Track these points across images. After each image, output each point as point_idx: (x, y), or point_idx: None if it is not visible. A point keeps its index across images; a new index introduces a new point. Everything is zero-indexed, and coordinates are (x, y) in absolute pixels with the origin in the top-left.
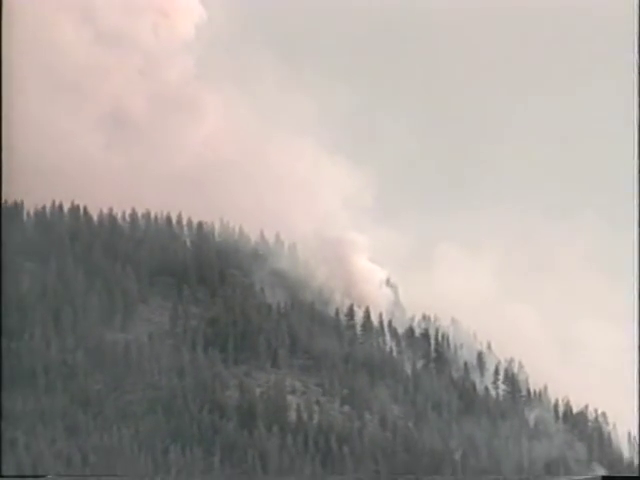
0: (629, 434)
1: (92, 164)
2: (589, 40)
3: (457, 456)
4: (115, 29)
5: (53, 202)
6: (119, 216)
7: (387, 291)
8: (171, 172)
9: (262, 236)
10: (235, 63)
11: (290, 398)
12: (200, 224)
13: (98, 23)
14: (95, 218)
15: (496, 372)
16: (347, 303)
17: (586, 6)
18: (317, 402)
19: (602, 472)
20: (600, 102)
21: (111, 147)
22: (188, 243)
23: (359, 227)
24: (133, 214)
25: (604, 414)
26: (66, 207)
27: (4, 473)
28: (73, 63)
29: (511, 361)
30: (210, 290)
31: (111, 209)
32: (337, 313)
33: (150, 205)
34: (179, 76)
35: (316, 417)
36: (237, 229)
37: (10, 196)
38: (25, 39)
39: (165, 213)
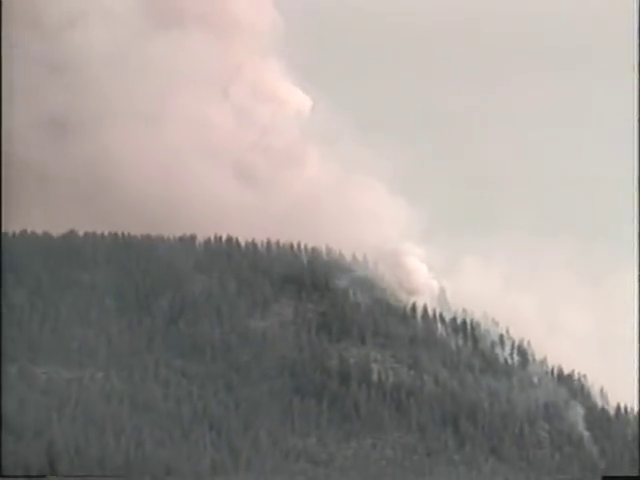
0: (601, 389)
1: (232, 204)
2: None
3: (486, 404)
4: (245, 108)
5: (215, 235)
6: (258, 243)
7: (434, 289)
8: (282, 209)
9: (352, 255)
10: (328, 131)
11: (373, 365)
12: (314, 248)
13: (234, 103)
14: (243, 244)
15: (512, 347)
16: (405, 297)
17: None
18: (391, 368)
19: (580, 411)
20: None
21: (243, 192)
22: (305, 261)
23: (411, 245)
24: (268, 242)
25: (585, 376)
26: (224, 237)
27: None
28: (216, 131)
29: (522, 340)
30: (320, 293)
31: (253, 239)
32: (404, 308)
33: (274, 234)
34: (288, 141)
35: (391, 378)
36: (337, 250)
37: (187, 230)
38: (185, 119)
39: (287, 240)
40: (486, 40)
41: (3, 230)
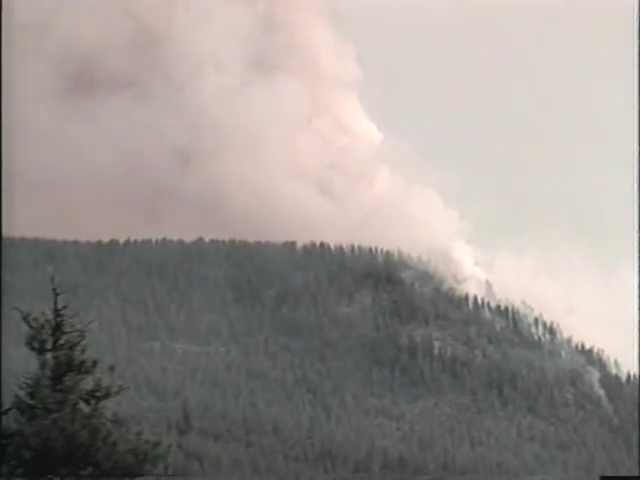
0: (615, 361)
1: (316, 215)
2: None
3: (523, 372)
4: (327, 138)
5: (310, 240)
6: (344, 246)
7: (479, 279)
8: (356, 218)
9: (418, 254)
10: (393, 155)
11: (434, 342)
12: (387, 251)
13: (317, 135)
14: (332, 248)
15: (544, 327)
16: (456, 285)
17: None
18: (449, 344)
19: (597, 375)
20: None
21: (324, 205)
22: (380, 260)
23: (460, 244)
24: (352, 246)
25: (603, 350)
26: (317, 242)
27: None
28: (302, 157)
29: (552, 322)
30: (392, 285)
31: (341, 243)
32: (459, 296)
33: (351, 238)
34: (361, 163)
35: (448, 352)
36: (404, 251)
37: (284, 236)
38: (279, 148)
39: (362, 243)
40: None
41: (150, 238)
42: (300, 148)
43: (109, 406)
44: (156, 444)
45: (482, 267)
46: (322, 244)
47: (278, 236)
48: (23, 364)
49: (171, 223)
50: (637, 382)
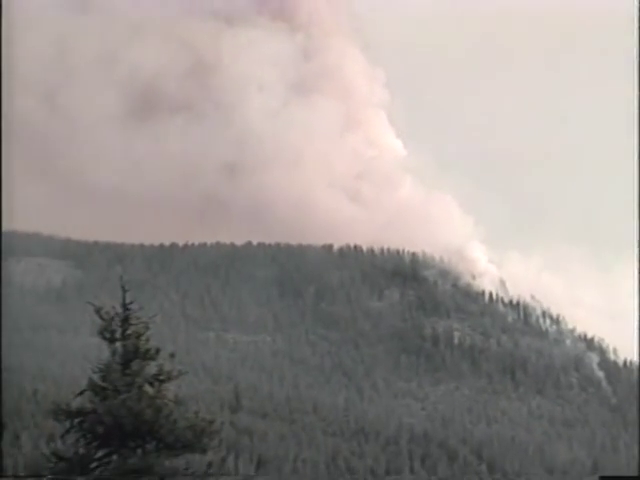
0: (614, 348)
1: (348, 220)
2: None
3: (533, 359)
4: (357, 151)
5: (346, 243)
6: (375, 249)
7: (492, 275)
8: (382, 222)
9: (440, 255)
10: (415, 165)
11: (455, 332)
12: (413, 252)
13: (349, 148)
14: (364, 249)
15: (550, 319)
16: (471, 280)
17: None
18: (467, 334)
19: (597, 361)
20: None
21: (354, 211)
22: (407, 260)
23: (475, 244)
24: (382, 248)
25: (603, 339)
26: (351, 245)
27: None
28: (335, 169)
29: (559, 315)
30: (417, 282)
31: (372, 246)
32: (476, 292)
33: (377, 240)
34: (387, 173)
35: (467, 341)
36: (427, 252)
37: (321, 239)
38: (315, 161)
39: (388, 244)
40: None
41: (205, 241)
42: (333, 160)
43: (170, 388)
44: (211, 421)
45: (494, 265)
46: (355, 247)
47: (314, 239)
48: (96, 352)
49: (223, 228)
50: (633, 367)
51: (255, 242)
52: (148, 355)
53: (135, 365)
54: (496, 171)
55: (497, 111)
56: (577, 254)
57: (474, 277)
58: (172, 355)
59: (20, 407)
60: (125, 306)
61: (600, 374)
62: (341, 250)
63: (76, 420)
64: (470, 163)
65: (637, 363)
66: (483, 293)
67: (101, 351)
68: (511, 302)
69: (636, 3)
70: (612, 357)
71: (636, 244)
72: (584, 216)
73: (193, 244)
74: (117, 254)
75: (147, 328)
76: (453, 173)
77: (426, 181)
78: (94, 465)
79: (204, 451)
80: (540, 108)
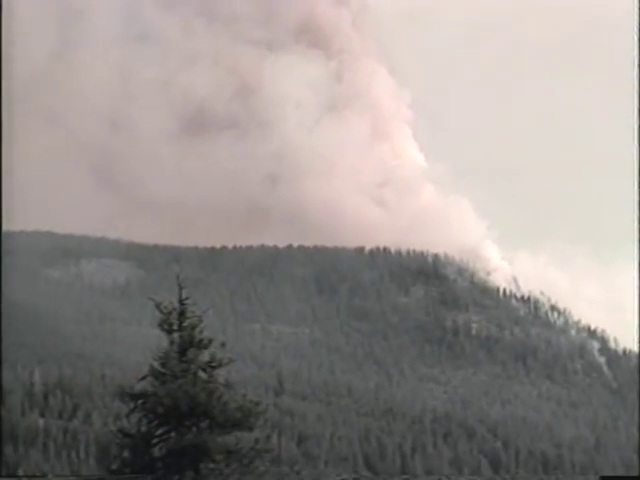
0: (614, 338)
1: (374, 224)
2: None
3: (543, 347)
4: (382, 161)
5: (377, 245)
6: (401, 251)
7: (505, 271)
8: (405, 225)
9: (459, 255)
10: (435, 173)
11: (473, 325)
12: (435, 254)
13: (375, 158)
14: (392, 251)
15: (557, 312)
16: (485, 278)
17: None
18: (484, 326)
19: (598, 347)
20: None
21: (380, 215)
22: (430, 260)
23: (488, 243)
24: (408, 249)
25: (604, 330)
26: (381, 247)
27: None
28: (363, 177)
29: (566, 309)
30: (439, 280)
31: (399, 247)
32: (491, 288)
33: (399, 241)
34: (408, 180)
35: (484, 332)
36: (448, 252)
37: (352, 241)
38: (344, 170)
39: (411, 245)
40: None
41: (251, 244)
42: (361, 170)
43: (221, 374)
44: (257, 403)
45: (506, 262)
46: (384, 249)
47: (344, 240)
48: (156, 341)
49: (266, 232)
50: (631, 354)
51: (295, 244)
52: (202, 345)
53: (190, 353)
54: (506, 179)
55: (509, 129)
56: (580, 252)
57: (488, 273)
58: (223, 345)
59: (90, 390)
60: (181, 301)
61: (602, 361)
62: (371, 252)
63: (139, 401)
64: (483, 173)
65: (635, 351)
66: (497, 289)
67: (161, 341)
68: (522, 297)
69: (636, 3)
70: (613, 345)
71: (634, 242)
72: (586, 218)
73: (240, 246)
74: (174, 255)
75: (200, 321)
76: (468, 182)
77: (444, 188)
78: (155, 441)
79: (251, 429)
80: (548, 126)
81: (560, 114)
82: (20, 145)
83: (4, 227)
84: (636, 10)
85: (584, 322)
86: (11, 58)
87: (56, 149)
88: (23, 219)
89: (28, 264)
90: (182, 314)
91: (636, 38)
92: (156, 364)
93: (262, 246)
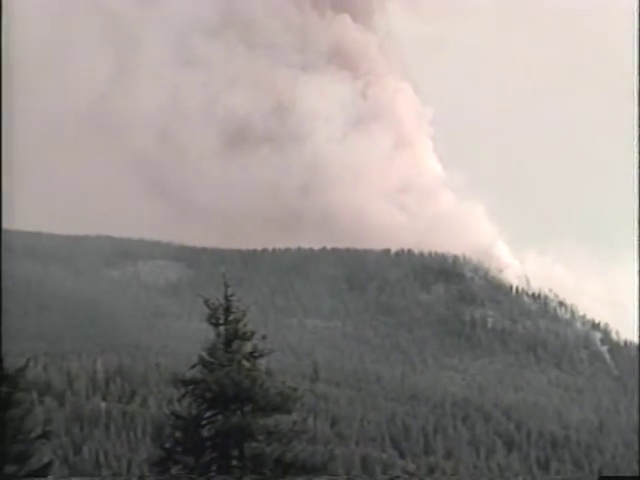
0: (616, 331)
1: (396, 226)
2: None
3: (552, 339)
4: (404, 169)
5: (402, 247)
6: (423, 252)
7: (516, 272)
8: (424, 228)
9: (476, 255)
10: (451, 181)
11: (488, 319)
12: (455, 255)
13: (398, 168)
14: (416, 252)
15: (565, 307)
16: (497, 275)
17: None
18: (499, 320)
19: (600, 337)
20: None
21: (402, 219)
22: (450, 260)
23: (500, 243)
24: (429, 251)
25: (607, 323)
26: (405, 249)
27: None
28: (386, 184)
29: (571, 304)
30: (458, 279)
31: (421, 249)
32: (505, 285)
33: (419, 243)
34: (427, 186)
35: (499, 325)
36: (467, 254)
37: (377, 243)
38: (369, 178)
39: (429, 247)
40: None
41: (289, 246)
42: (385, 179)
43: (263, 363)
44: (295, 389)
45: (517, 261)
46: (409, 250)
47: (370, 242)
48: (205, 334)
49: (302, 236)
50: (632, 346)
51: (328, 247)
52: (245, 337)
53: (235, 345)
54: (516, 187)
55: (519, 143)
56: (583, 252)
57: (501, 271)
58: (264, 337)
59: (146, 377)
60: (227, 298)
61: (605, 351)
62: (397, 253)
63: (190, 387)
64: (495, 181)
65: (635, 342)
66: (510, 287)
67: (208, 333)
68: (533, 294)
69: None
70: (614, 337)
71: (634, 242)
72: (589, 221)
73: (279, 249)
74: (220, 257)
75: (244, 315)
76: (482, 189)
77: (460, 195)
78: (204, 423)
79: (289, 412)
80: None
81: (567, 129)
82: (84, 161)
83: (71, 232)
84: (636, 11)
85: (588, 316)
86: (74, 82)
87: (115, 163)
88: (87, 225)
89: (91, 265)
90: (227, 309)
91: (636, 36)
92: (205, 354)
93: (298, 248)
